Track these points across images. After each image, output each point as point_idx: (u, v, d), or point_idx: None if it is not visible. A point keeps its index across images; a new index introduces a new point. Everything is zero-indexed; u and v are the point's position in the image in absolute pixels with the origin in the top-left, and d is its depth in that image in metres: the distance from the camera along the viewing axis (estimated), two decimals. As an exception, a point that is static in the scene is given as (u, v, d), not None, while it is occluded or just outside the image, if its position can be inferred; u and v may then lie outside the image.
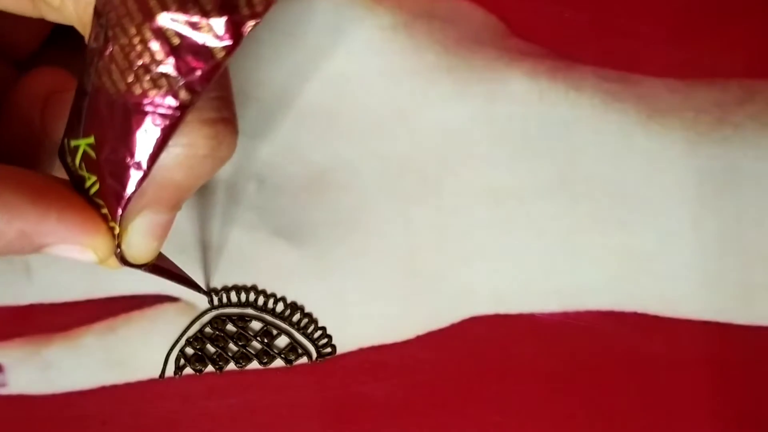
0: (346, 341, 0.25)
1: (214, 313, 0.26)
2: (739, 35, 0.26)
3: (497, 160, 0.26)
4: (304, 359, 0.25)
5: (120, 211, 0.17)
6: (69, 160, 0.18)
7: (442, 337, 0.25)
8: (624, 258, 0.25)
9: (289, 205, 0.26)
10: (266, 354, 0.25)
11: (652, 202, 0.25)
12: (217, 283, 0.26)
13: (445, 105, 0.26)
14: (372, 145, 0.26)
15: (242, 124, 0.26)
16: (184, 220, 0.25)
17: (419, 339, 0.25)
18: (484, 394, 0.25)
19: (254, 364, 0.25)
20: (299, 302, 0.26)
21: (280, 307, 0.26)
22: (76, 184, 0.18)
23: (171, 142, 0.17)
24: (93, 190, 0.17)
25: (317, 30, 0.26)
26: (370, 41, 0.26)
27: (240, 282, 0.26)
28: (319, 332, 0.25)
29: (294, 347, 0.25)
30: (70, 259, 0.18)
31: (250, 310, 0.26)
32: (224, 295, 0.26)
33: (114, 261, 0.19)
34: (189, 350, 0.25)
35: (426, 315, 0.25)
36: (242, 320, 0.26)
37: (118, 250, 0.19)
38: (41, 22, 0.19)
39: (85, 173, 0.17)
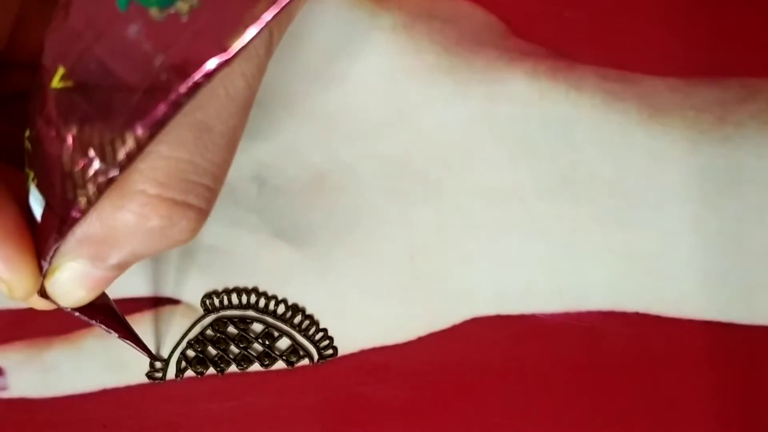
0: (347, 343, 0.25)
1: (215, 315, 0.26)
2: (739, 34, 0.26)
3: (498, 160, 0.26)
4: (305, 361, 0.25)
5: (53, 248, 0.16)
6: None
7: (443, 338, 0.25)
8: (625, 258, 0.25)
9: (289, 206, 0.26)
10: (267, 356, 0.25)
11: (653, 201, 0.25)
12: (218, 285, 0.26)
13: (446, 105, 0.26)
14: (372, 146, 0.26)
15: (242, 125, 0.26)
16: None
17: (420, 340, 0.25)
18: (486, 395, 0.25)
19: (255, 366, 0.25)
20: (300, 304, 0.26)
21: (281, 309, 0.26)
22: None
23: (126, 207, 0.16)
24: (33, 183, 0.16)
25: (317, 31, 0.26)
26: (370, 42, 0.26)
27: (241, 284, 0.26)
28: (321, 334, 0.25)
29: (295, 349, 0.25)
30: None
31: (251, 312, 0.26)
32: (225, 298, 0.26)
33: (38, 303, 0.18)
34: (190, 352, 0.25)
35: (427, 316, 0.25)
36: (243, 322, 0.25)
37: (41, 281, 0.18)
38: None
39: (27, 169, 0.17)
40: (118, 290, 0.25)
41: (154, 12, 0.14)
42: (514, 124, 0.26)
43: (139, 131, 0.15)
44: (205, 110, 0.17)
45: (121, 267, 0.18)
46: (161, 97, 0.14)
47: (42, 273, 0.17)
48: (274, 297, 0.26)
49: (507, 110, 0.26)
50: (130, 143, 0.15)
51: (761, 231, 0.25)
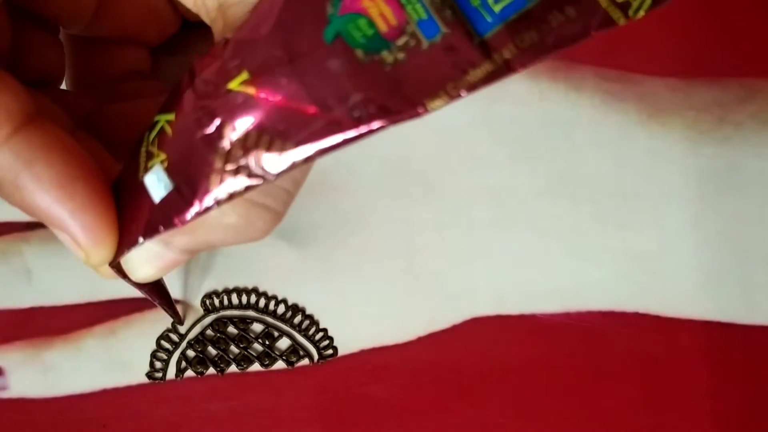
0: (347, 343, 0.25)
1: (215, 315, 0.26)
2: (739, 34, 0.26)
3: (498, 160, 0.26)
4: (305, 361, 0.25)
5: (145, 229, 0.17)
6: (147, 134, 0.18)
7: (443, 338, 0.25)
8: (625, 258, 0.25)
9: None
10: (267, 356, 0.25)
11: (653, 201, 0.25)
12: (218, 285, 0.26)
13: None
14: (372, 147, 0.26)
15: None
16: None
17: (420, 340, 0.25)
18: (486, 394, 0.25)
19: (255, 366, 0.25)
20: (300, 304, 0.26)
21: (281, 309, 0.26)
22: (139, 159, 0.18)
23: None
24: (162, 165, 0.17)
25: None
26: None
27: (241, 284, 0.26)
28: (321, 334, 0.25)
29: (295, 349, 0.25)
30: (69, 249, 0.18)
31: (251, 312, 0.26)
32: (225, 298, 0.26)
33: (106, 273, 0.19)
34: (190, 352, 0.25)
35: (427, 316, 0.25)
36: (243, 322, 0.25)
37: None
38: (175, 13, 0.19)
39: (155, 150, 0.17)
40: (118, 290, 0.25)
41: (359, 53, 0.15)
42: (514, 124, 0.26)
43: (312, 152, 0.15)
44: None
45: (192, 253, 0.19)
46: (343, 130, 0.15)
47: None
48: (275, 297, 0.26)
49: (507, 110, 0.26)
50: (299, 158, 0.15)
51: (761, 231, 0.25)
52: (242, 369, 0.25)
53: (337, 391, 0.25)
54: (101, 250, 0.18)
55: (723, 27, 0.26)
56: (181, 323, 0.25)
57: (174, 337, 0.25)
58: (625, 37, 0.26)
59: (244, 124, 0.16)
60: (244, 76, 0.16)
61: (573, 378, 0.25)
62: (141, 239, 0.17)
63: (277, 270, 0.26)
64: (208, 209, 0.16)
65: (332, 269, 0.25)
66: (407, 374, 0.25)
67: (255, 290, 0.26)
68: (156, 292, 0.22)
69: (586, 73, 0.26)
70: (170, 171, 0.17)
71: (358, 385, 0.25)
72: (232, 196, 0.16)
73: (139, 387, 0.25)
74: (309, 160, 0.15)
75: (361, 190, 0.26)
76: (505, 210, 0.26)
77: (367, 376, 0.25)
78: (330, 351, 0.25)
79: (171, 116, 0.17)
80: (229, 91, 0.16)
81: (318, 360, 0.25)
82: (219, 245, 0.18)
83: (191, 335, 0.25)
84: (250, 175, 0.16)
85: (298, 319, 0.25)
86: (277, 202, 0.18)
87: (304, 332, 0.25)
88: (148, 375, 0.25)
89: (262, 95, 0.16)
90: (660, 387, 0.25)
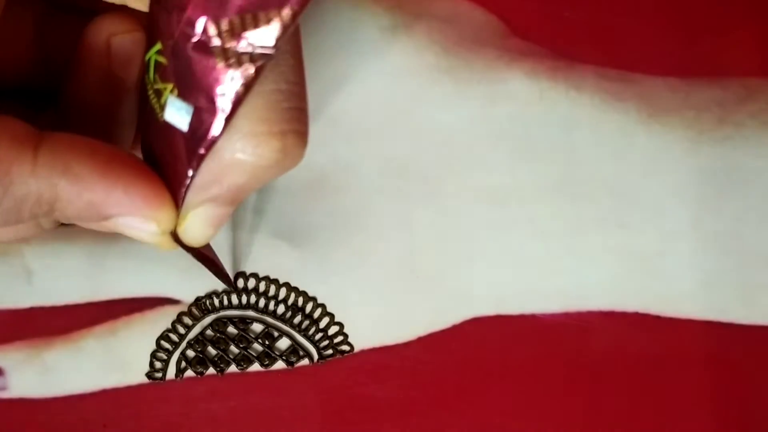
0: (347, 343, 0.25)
1: (215, 315, 0.26)
2: (739, 34, 0.26)
3: (498, 160, 0.26)
4: (305, 361, 0.25)
5: (199, 152, 0.17)
6: (147, 78, 0.18)
7: (443, 338, 0.25)
8: (625, 258, 0.25)
9: (289, 206, 0.26)
10: (267, 356, 0.25)
11: (653, 201, 0.25)
12: (217, 285, 0.26)
13: (446, 105, 0.26)
14: (372, 147, 0.26)
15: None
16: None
17: (420, 340, 0.25)
18: (485, 395, 0.25)
19: (255, 366, 0.25)
20: (300, 304, 0.26)
21: (281, 309, 0.26)
22: (152, 106, 0.18)
23: (240, 150, 0.17)
24: (173, 94, 0.17)
25: (317, 31, 0.26)
26: (369, 42, 0.26)
27: (240, 284, 0.26)
28: (320, 334, 0.25)
29: (295, 349, 0.25)
30: (135, 230, 0.19)
31: (251, 312, 0.26)
32: (225, 298, 0.26)
33: (168, 243, 0.20)
34: (190, 352, 0.25)
35: (427, 316, 0.25)
36: (243, 322, 0.25)
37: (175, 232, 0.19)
38: None
39: (160, 84, 0.17)
40: (118, 290, 0.26)
41: None
42: (514, 124, 0.26)
43: (296, 5, 0.15)
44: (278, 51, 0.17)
45: (240, 201, 0.19)
46: None
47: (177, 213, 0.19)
48: (274, 297, 0.26)
49: (507, 110, 0.26)
50: (286, 17, 0.16)
51: (761, 231, 0.25)
52: (242, 369, 0.25)
53: (337, 391, 0.25)
54: (166, 210, 0.18)
55: (723, 27, 0.26)
56: (235, 289, 0.25)
57: (174, 337, 0.25)
58: (626, 37, 0.26)
59: (223, 14, 0.16)
60: None
61: (573, 378, 0.25)
62: (190, 171, 0.17)
63: (277, 270, 0.26)
64: (234, 110, 0.16)
65: (332, 269, 0.25)
66: (407, 374, 0.25)
67: (255, 290, 0.26)
68: (210, 260, 0.23)
69: (586, 72, 0.26)
70: (183, 95, 0.17)
71: (358, 385, 0.25)
72: (247, 87, 0.16)
73: (139, 387, 0.25)
74: (296, 16, 0.16)
75: (360, 190, 0.26)
76: (505, 210, 0.26)
77: (366, 376, 0.25)
78: (330, 351, 0.25)
79: (158, 46, 0.17)
80: None
81: (318, 360, 0.25)
82: (262, 185, 0.19)
83: (191, 335, 0.25)
84: (253, 58, 0.16)
85: (298, 319, 0.25)
86: (299, 122, 0.18)
87: (304, 332, 0.25)
88: (148, 375, 0.25)
89: None
90: (660, 387, 0.25)
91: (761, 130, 0.25)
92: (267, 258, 0.26)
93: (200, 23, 0.16)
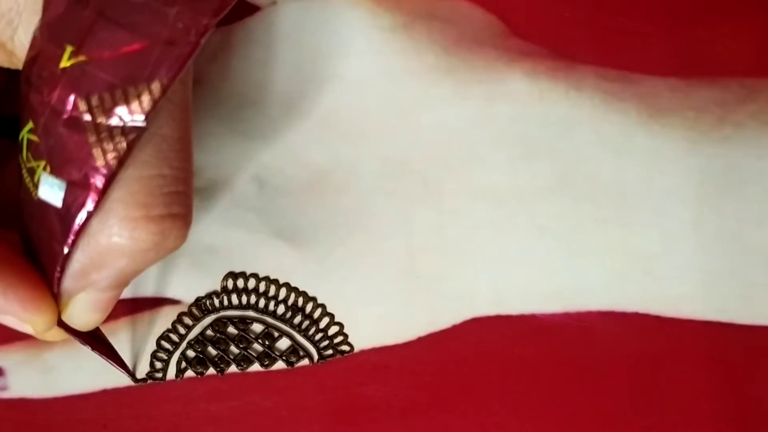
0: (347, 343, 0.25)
1: (215, 315, 0.26)
2: (739, 34, 0.26)
3: (498, 160, 0.26)
4: (305, 361, 0.25)
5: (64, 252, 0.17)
6: (20, 157, 0.18)
7: (443, 339, 0.25)
8: (625, 258, 0.25)
9: (289, 206, 0.26)
10: (267, 356, 0.25)
11: (653, 201, 0.25)
12: (217, 285, 0.26)
13: (445, 106, 0.26)
14: (372, 147, 0.26)
15: (242, 126, 0.26)
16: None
17: (420, 340, 0.25)
18: (486, 395, 0.25)
19: (255, 367, 0.25)
20: (300, 304, 0.26)
21: (281, 309, 0.26)
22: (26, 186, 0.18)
23: (117, 234, 0.17)
24: (46, 171, 0.17)
25: (316, 31, 0.26)
26: (369, 42, 0.26)
27: (241, 284, 0.26)
28: (320, 334, 0.25)
29: (295, 349, 0.25)
30: (14, 326, 0.19)
31: (251, 313, 0.26)
32: (225, 298, 0.26)
33: (53, 335, 0.20)
34: (190, 353, 0.25)
35: (427, 316, 0.25)
36: (243, 323, 0.25)
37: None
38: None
39: (33, 163, 0.17)
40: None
41: None
42: (514, 124, 0.26)
43: (165, 78, 0.16)
44: (157, 122, 0.17)
45: (126, 285, 0.20)
46: (179, 45, 0.16)
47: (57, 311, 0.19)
48: (274, 297, 0.26)
49: (507, 110, 0.26)
50: (156, 91, 0.16)
51: (761, 231, 0.25)
52: (242, 369, 0.25)
53: (337, 391, 0.25)
54: (42, 315, 0.18)
55: (724, 26, 0.26)
56: (133, 376, 0.25)
57: (174, 337, 0.26)
58: (626, 37, 0.26)
59: (93, 91, 0.16)
60: (69, 49, 0.16)
61: (573, 378, 0.25)
62: (66, 249, 0.17)
63: (277, 270, 0.26)
64: (107, 185, 0.16)
65: (332, 269, 0.25)
66: (407, 374, 0.25)
67: (255, 290, 0.26)
68: (103, 342, 0.23)
69: (586, 72, 0.26)
70: (56, 171, 0.17)
71: (358, 385, 0.25)
72: (120, 161, 0.16)
73: (139, 387, 0.25)
74: (166, 89, 0.16)
75: (360, 190, 0.26)
76: (505, 210, 0.26)
77: (366, 376, 0.25)
78: (330, 351, 0.25)
79: (30, 125, 0.17)
80: (64, 69, 0.16)
81: (318, 360, 0.25)
82: (146, 268, 0.19)
83: (191, 335, 0.25)
84: (125, 132, 0.16)
85: (298, 319, 0.25)
86: (180, 206, 0.18)
87: (304, 332, 0.25)
88: (148, 375, 0.25)
89: (94, 56, 0.16)
90: (660, 387, 0.25)
91: (761, 130, 0.25)
92: (267, 258, 0.26)
93: (70, 100, 0.16)
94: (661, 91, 0.26)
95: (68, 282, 0.18)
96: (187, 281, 0.26)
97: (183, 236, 0.18)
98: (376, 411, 0.25)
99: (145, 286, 0.26)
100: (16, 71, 0.22)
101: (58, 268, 0.18)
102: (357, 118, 0.26)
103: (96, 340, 0.22)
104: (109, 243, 0.17)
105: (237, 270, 0.26)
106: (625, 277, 0.25)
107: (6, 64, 0.19)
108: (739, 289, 0.25)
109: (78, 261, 0.18)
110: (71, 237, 0.17)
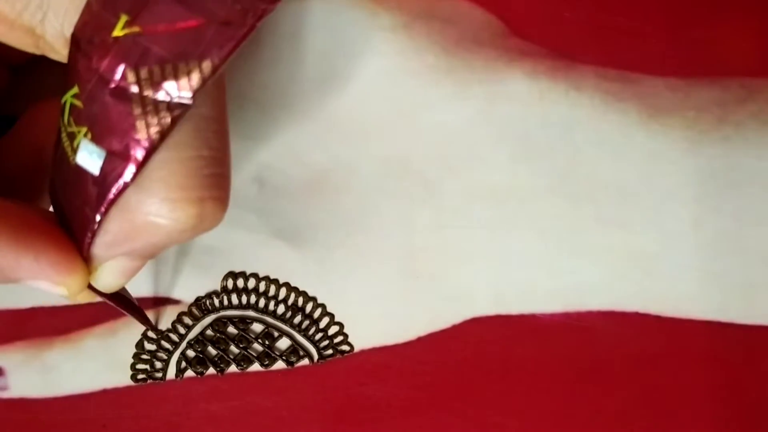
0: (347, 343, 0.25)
1: (215, 315, 0.26)
2: (739, 34, 0.26)
3: (498, 160, 0.26)
4: (305, 361, 0.25)
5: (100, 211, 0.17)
6: (61, 120, 0.18)
7: (443, 338, 0.25)
8: (625, 258, 0.25)
9: (289, 206, 0.26)
10: (267, 356, 0.25)
11: (653, 201, 0.25)
12: (217, 285, 0.26)
13: (445, 106, 0.26)
14: (372, 147, 0.26)
15: (242, 126, 0.26)
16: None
17: (420, 340, 0.25)
18: (485, 394, 0.25)
19: (255, 366, 0.25)
20: (300, 304, 0.26)
21: (281, 309, 0.26)
22: (64, 150, 0.18)
23: (155, 213, 0.17)
24: (87, 138, 0.17)
25: (317, 31, 0.26)
26: (369, 42, 0.26)
27: (241, 284, 0.26)
28: (320, 334, 0.25)
29: (295, 349, 0.25)
30: (46, 290, 0.19)
31: (251, 312, 0.26)
32: (225, 298, 0.26)
33: (82, 298, 0.20)
34: (190, 352, 0.25)
35: (427, 316, 0.25)
36: (243, 322, 0.25)
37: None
38: None
39: (74, 128, 0.17)
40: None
41: None
42: (514, 124, 0.26)
43: (216, 58, 0.16)
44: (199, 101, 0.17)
45: (155, 256, 0.20)
46: (235, 27, 0.16)
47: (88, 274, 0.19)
48: (274, 297, 0.26)
49: (506, 110, 0.26)
50: (206, 70, 0.16)
51: (760, 231, 0.25)
52: (242, 369, 0.25)
53: (337, 391, 0.25)
54: (75, 277, 0.18)
55: (724, 26, 0.26)
56: (155, 330, 0.25)
57: (174, 337, 0.26)
58: (626, 37, 0.26)
59: (143, 63, 0.16)
60: (124, 18, 0.16)
61: (573, 378, 0.25)
62: (98, 216, 0.17)
63: (277, 270, 0.26)
64: (147, 158, 0.16)
65: (332, 269, 0.25)
66: (407, 374, 0.25)
67: (255, 290, 0.26)
68: (127, 301, 0.23)
69: (586, 72, 0.26)
70: (96, 139, 0.17)
71: (358, 385, 0.25)
72: (163, 135, 0.16)
73: (139, 387, 0.25)
74: (216, 69, 0.16)
75: (360, 190, 0.26)
76: (505, 210, 0.26)
77: (366, 376, 0.25)
78: (330, 351, 0.25)
79: (75, 90, 0.17)
80: (116, 38, 0.16)
81: (318, 360, 0.25)
82: (178, 244, 0.19)
83: (191, 335, 0.25)
84: (170, 107, 0.16)
85: (298, 319, 0.25)
86: (218, 188, 0.18)
87: (304, 332, 0.25)
88: (149, 375, 0.25)
89: (148, 29, 0.16)
90: (660, 387, 0.25)
91: (761, 130, 0.25)
92: (267, 258, 0.26)
93: (119, 70, 0.16)
94: (661, 91, 0.26)
95: (98, 249, 0.18)
96: (187, 281, 0.26)
97: (220, 219, 0.18)
98: (376, 411, 0.25)
99: (146, 286, 0.26)
100: (16, 71, 0.22)
101: (89, 234, 0.18)
102: (357, 119, 0.26)
103: (122, 301, 0.22)
104: (146, 221, 0.17)
105: (237, 270, 0.26)
106: (625, 277, 0.25)
107: (32, 49, 0.18)
108: (739, 289, 0.25)
109: (111, 232, 0.18)
110: (105, 205, 0.17)
